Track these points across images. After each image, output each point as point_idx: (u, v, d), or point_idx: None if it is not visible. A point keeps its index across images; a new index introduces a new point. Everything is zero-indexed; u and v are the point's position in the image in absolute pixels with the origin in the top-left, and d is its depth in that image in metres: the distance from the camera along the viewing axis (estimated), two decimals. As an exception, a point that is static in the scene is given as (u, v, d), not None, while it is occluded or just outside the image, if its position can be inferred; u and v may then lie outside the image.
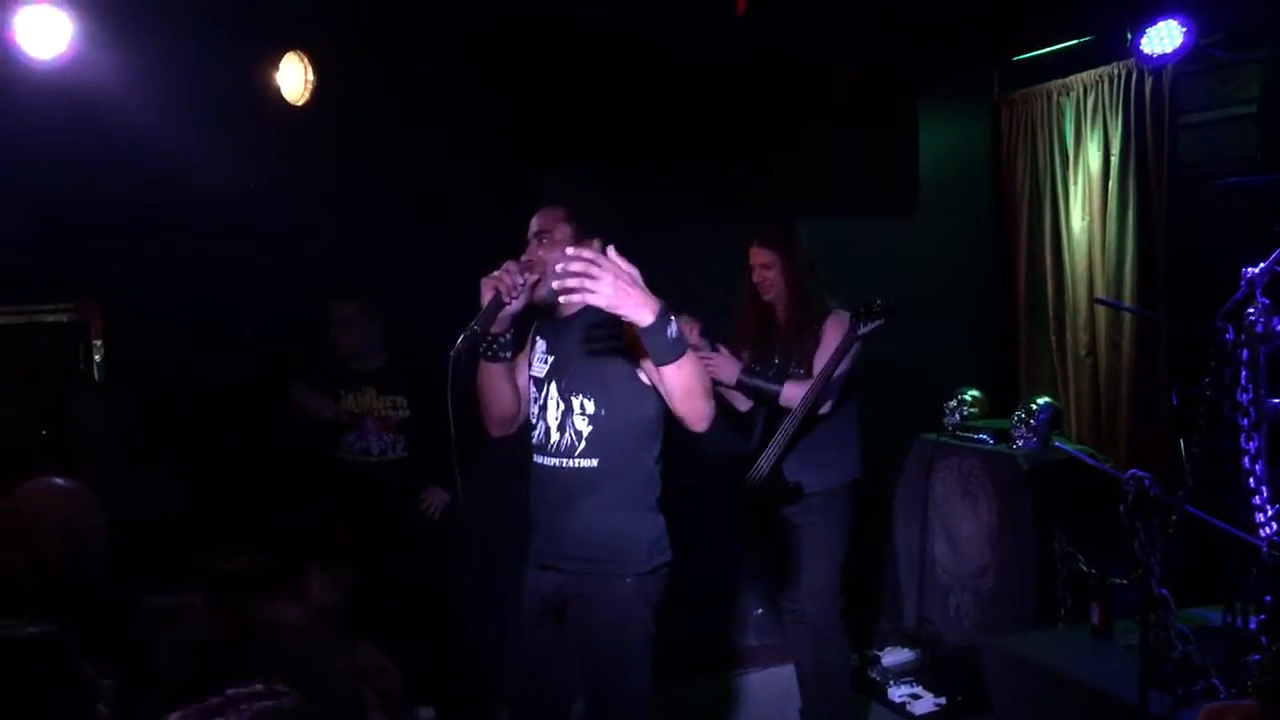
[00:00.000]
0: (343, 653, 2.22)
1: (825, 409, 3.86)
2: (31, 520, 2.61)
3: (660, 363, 2.55)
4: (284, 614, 2.15)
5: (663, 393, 2.70)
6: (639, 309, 2.42)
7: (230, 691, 1.50)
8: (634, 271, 2.42)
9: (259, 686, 1.52)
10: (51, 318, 4.17)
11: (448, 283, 3.12)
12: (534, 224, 2.93)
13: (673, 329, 2.50)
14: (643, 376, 2.83)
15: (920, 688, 4.71)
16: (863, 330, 3.75)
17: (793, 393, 3.83)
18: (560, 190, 2.95)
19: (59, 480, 2.73)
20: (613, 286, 2.38)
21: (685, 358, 2.56)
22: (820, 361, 3.83)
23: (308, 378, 4.22)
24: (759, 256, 3.99)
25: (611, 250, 2.42)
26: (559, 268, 2.40)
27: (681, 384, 2.60)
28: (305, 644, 2.05)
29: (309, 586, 3.14)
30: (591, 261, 2.37)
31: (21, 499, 2.68)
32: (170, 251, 4.01)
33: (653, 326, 2.45)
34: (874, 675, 4.82)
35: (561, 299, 2.46)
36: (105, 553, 2.70)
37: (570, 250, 2.39)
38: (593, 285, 2.37)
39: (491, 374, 2.96)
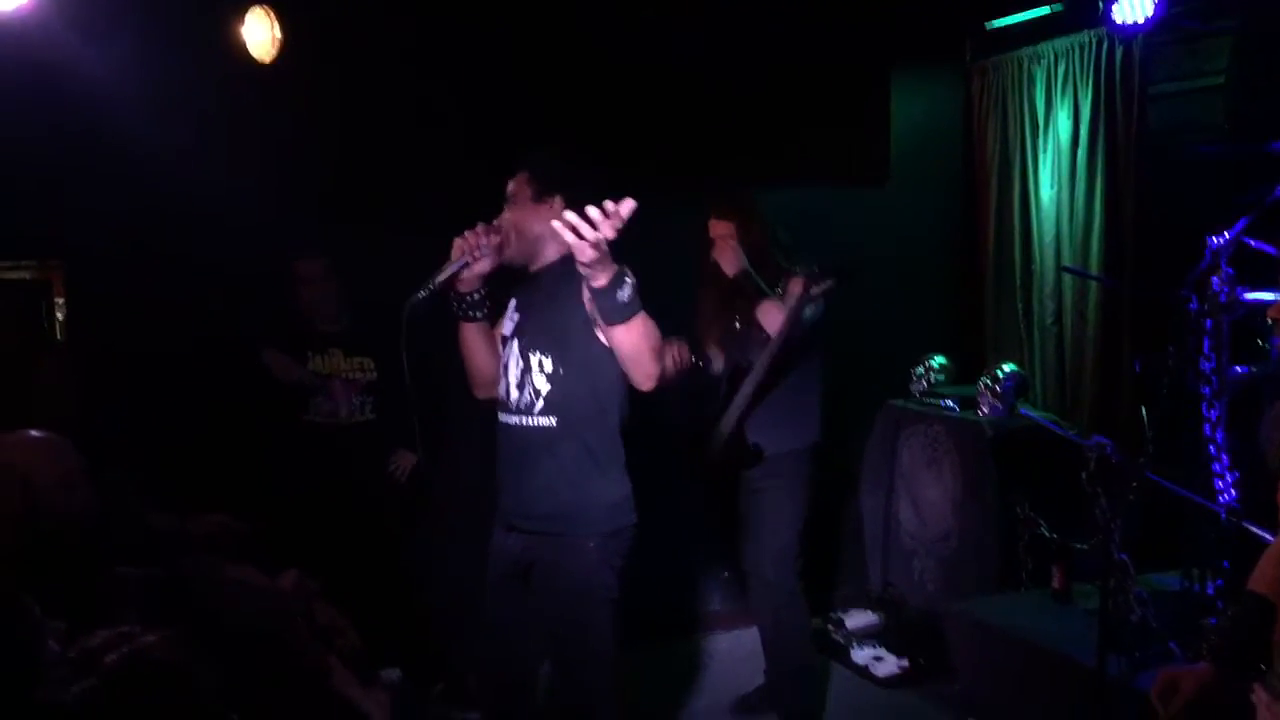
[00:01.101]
0: (302, 613, 2.23)
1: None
2: (15, 470, 2.57)
3: (608, 322, 2.63)
4: (246, 576, 2.16)
5: (615, 351, 2.74)
6: (595, 269, 2.51)
7: (120, 629, 1.52)
8: (608, 236, 2.46)
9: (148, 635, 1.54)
10: (13, 275, 4.11)
11: (417, 245, 3.11)
12: (509, 188, 3.01)
13: (624, 293, 2.59)
14: (602, 336, 2.84)
15: (883, 650, 4.76)
16: (814, 291, 3.74)
17: (771, 311, 3.81)
18: (525, 154, 3.03)
19: (36, 433, 2.69)
20: (595, 246, 2.45)
21: (636, 319, 2.64)
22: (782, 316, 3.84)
23: (274, 339, 4.19)
24: (716, 228, 4.00)
25: (626, 208, 2.45)
26: (593, 210, 2.44)
27: (630, 344, 2.68)
28: (267, 605, 2.05)
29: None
30: (600, 220, 2.42)
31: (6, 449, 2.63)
32: (133, 209, 3.95)
33: (604, 288, 2.56)
34: (838, 638, 4.86)
35: (555, 225, 2.51)
36: (91, 507, 2.66)
37: (611, 206, 2.43)
38: (589, 235, 2.42)
39: (467, 334, 3.02)
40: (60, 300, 4.15)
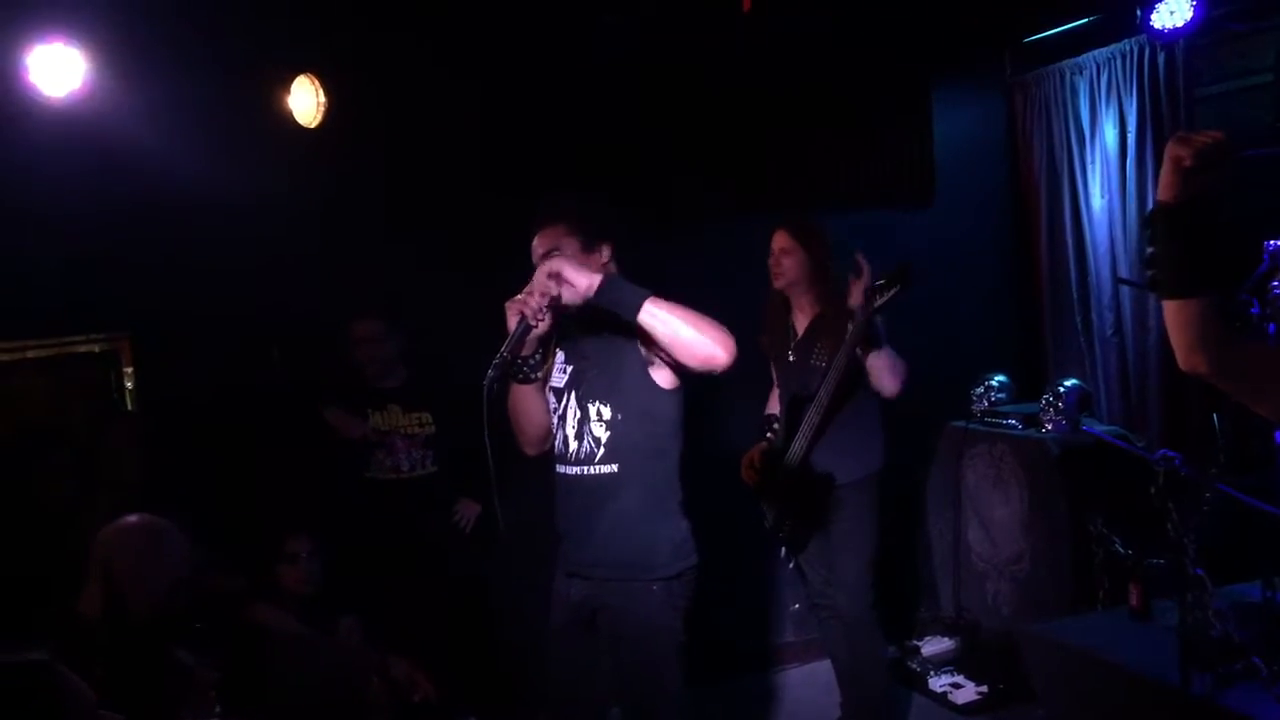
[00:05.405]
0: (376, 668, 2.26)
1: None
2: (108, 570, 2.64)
3: (632, 315, 2.64)
4: (301, 631, 2.20)
5: (666, 351, 2.71)
6: (589, 280, 2.65)
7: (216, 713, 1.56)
8: (553, 263, 2.67)
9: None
10: (83, 348, 4.21)
11: (466, 299, 3.14)
12: (538, 246, 2.93)
13: (621, 282, 2.70)
14: (657, 378, 2.86)
15: (961, 676, 4.70)
16: (879, 302, 3.72)
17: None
18: (554, 208, 2.96)
19: (134, 519, 2.76)
20: (572, 273, 2.63)
21: (650, 302, 2.64)
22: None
23: (334, 399, 4.25)
24: (780, 240, 4.02)
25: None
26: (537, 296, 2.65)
27: (664, 322, 2.65)
28: (341, 661, 2.09)
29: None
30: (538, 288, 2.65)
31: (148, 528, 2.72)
32: (194, 278, 4.05)
33: (604, 287, 2.65)
34: (914, 666, 4.80)
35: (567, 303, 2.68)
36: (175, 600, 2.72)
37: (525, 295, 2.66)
38: (567, 285, 2.63)
39: (523, 395, 2.98)
40: (129, 370, 4.25)
